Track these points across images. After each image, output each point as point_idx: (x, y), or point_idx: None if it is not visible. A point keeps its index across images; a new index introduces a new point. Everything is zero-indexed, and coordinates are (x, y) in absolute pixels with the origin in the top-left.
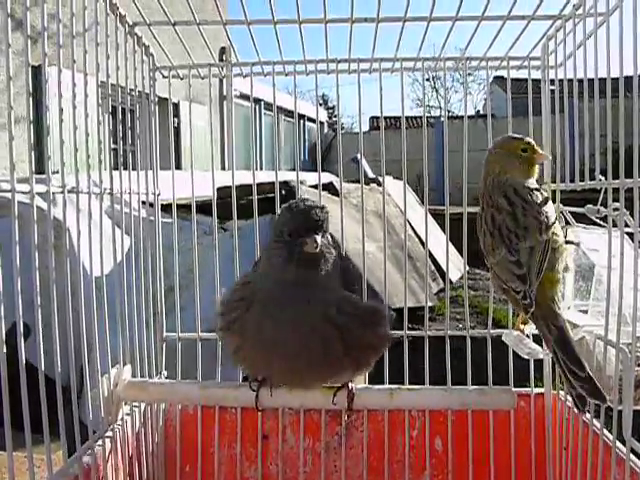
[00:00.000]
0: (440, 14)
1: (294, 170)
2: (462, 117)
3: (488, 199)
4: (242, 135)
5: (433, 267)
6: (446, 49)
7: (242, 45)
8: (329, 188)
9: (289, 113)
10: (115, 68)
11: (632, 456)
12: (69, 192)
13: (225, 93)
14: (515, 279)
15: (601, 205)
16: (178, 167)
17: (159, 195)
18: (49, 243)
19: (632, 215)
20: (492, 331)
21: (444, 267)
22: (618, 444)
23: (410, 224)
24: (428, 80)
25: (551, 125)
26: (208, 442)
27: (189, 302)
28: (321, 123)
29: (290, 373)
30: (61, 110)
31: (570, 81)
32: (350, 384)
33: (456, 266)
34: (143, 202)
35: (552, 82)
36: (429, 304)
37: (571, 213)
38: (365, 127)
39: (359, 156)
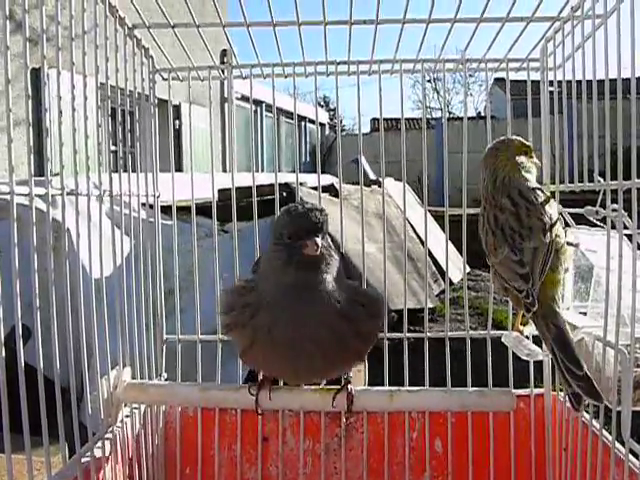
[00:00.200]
0: (439, 16)
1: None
2: (463, 118)
3: (491, 199)
4: (243, 137)
5: (434, 268)
6: (446, 51)
7: (242, 47)
8: (330, 190)
9: (290, 115)
10: (115, 70)
11: (631, 457)
12: (68, 194)
13: (226, 95)
14: (518, 278)
15: (600, 206)
16: (179, 169)
17: (159, 197)
18: (48, 245)
19: (630, 216)
20: (492, 332)
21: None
22: (617, 445)
23: (411, 225)
24: (429, 81)
25: (550, 126)
26: (208, 444)
27: (189, 304)
28: (322, 125)
29: (306, 370)
30: (60, 112)
31: (569, 83)
32: (349, 386)
33: (457, 267)
34: (143, 204)
35: (551, 84)
36: (430, 305)
37: (570, 214)
38: (366, 129)
39: (360, 158)
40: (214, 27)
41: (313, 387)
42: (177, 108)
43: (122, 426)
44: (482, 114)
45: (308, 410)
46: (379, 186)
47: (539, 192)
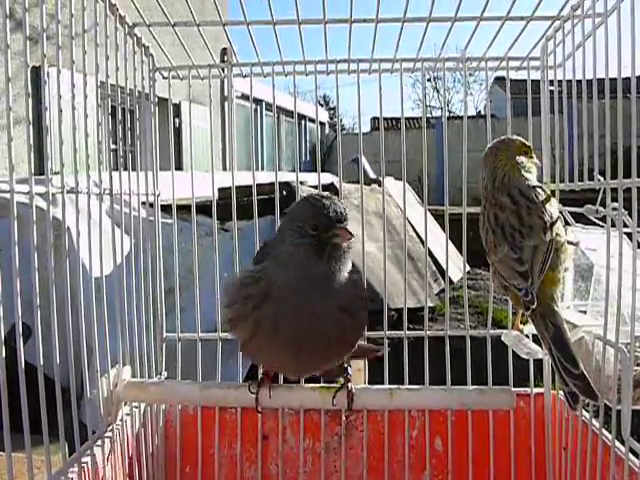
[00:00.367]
0: (439, 14)
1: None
2: (463, 117)
3: (491, 198)
4: (243, 136)
5: (434, 267)
6: (446, 50)
7: (242, 46)
8: (330, 189)
9: (290, 114)
10: (115, 69)
11: (631, 456)
12: (68, 192)
13: (226, 94)
14: (517, 276)
15: (600, 205)
16: (179, 168)
17: (159, 195)
18: (48, 243)
19: (630, 215)
20: (492, 331)
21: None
22: (617, 444)
23: (411, 224)
24: (429, 80)
25: (550, 125)
26: (208, 443)
27: (189, 303)
28: (322, 124)
29: (306, 362)
30: (60, 111)
31: (569, 82)
32: (350, 384)
33: (457, 266)
34: (143, 203)
35: (551, 83)
36: (430, 304)
37: (570, 213)
38: (366, 128)
39: (360, 157)
40: (214, 26)
41: (313, 385)
42: (177, 107)
43: (122, 425)
44: (482, 113)
45: (308, 408)
46: (379, 185)
47: (540, 190)
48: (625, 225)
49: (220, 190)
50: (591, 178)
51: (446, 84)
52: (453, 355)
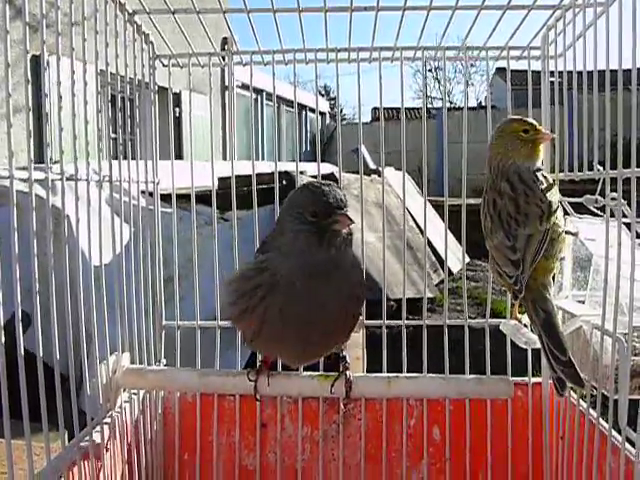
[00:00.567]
0: (440, 3)
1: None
2: (463, 108)
3: (492, 183)
4: (243, 125)
5: (434, 258)
6: (447, 39)
7: (243, 35)
8: (330, 179)
9: (290, 104)
10: (115, 56)
11: (627, 445)
12: (68, 179)
13: (226, 83)
14: (509, 264)
15: (599, 195)
16: (179, 157)
17: (159, 183)
18: (48, 230)
19: (630, 205)
20: (490, 320)
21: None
22: (614, 433)
23: (411, 214)
24: (430, 71)
25: (550, 116)
26: (207, 430)
27: (188, 291)
28: (322, 114)
29: (311, 349)
30: (60, 97)
31: (570, 73)
32: (348, 372)
33: (456, 257)
34: (143, 192)
35: (552, 74)
36: (429, 295)
37: (569, 203)
38: (366, 118)
39: (360, 147)
40: (214, 13)
41: (311, 373)
42: (177, 96)
43: (121, 411)
44: (483, 104)
45: (306, 396)
46: (379, 175)
47: (541, 177)
48: (624, 215)
49: (220, 179)
50: (591, 168)
51: (447, 74)
52: (451, 347)
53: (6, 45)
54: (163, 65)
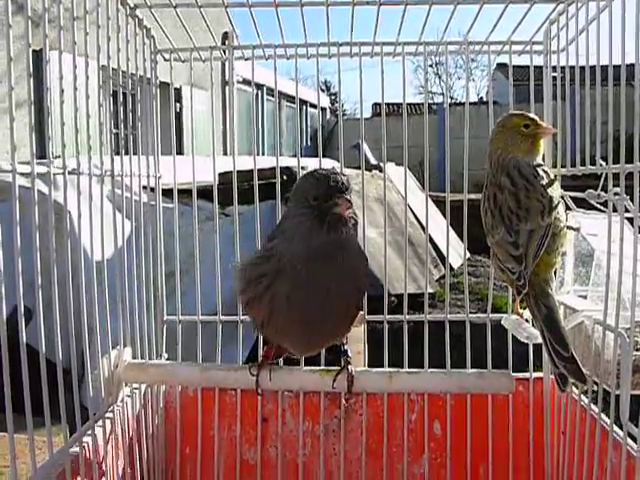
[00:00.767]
0: None
1: (296, 156)
2: (465, 104)
3: (492, 177)
4: (244, 121)
5: (435, 253)
6: (449, 34)
7: (244, 29)
8: None
9: (291, 99)
10: (116, 51)
11: (629, 440)
12: (69, 173)
13: (227, 78)
14: (511, 260)
15: (601, 190)
16: (180, 152)
17: (160, 178)
18: (50, 224)
19: (632, 200)
20: (491, 315)
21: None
22: (615, 428)
23: (412, 210)
24: (431, 66)
25: (552, 112)
26: (208, 424)
27: (190, 287)
28: (323, 109)
29: (317, 338)
30: (62, 91)
31: (572, 68)
32: (350, 367)
33: (457, 252)
34: (144, 187)
35: (554, 69)
36: (430, 290)
37: (572, 198)
38: (367, 113)
39: (361, 142)
40: (216, 7)
41: (313, 368)
42: (178, 91)
43: (122, 406)
44: (484, 99)
45: (308, 391)
46: (380, 171)
47: (541, 172)
48: (626, 210)
49: (221, 175)
50: (593, 163)
51: (448, 70)
52: (453, 343)
53: (8, 40)
54: (164, 59)
